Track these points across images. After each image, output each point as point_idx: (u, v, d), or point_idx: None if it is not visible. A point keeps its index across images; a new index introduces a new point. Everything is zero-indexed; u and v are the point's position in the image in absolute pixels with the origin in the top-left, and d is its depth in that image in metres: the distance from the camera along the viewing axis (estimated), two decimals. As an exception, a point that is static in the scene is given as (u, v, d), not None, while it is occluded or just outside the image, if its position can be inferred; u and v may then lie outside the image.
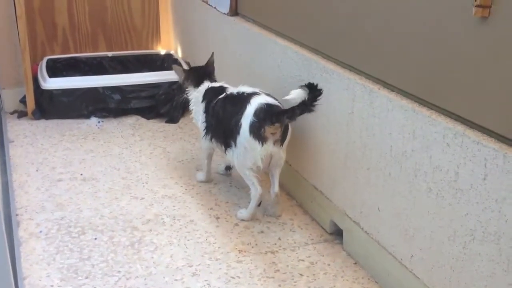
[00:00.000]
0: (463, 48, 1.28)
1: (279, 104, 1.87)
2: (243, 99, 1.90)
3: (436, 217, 1.39)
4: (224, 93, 2.02)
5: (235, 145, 1.89)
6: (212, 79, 2.17)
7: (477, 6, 1.20)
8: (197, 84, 2.15)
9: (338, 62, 1.77)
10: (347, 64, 1.72)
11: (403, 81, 1.49)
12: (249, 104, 1.86)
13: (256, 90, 1.94)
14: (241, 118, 1.86)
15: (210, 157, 2.17)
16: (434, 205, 1.39)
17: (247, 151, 1.86)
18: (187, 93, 2.18)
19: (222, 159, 2.24)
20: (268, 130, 1.81)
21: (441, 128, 1.34)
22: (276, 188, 1.95)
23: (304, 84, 1.76)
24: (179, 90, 2.26)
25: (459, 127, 1.30)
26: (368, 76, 1.63)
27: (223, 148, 1.99)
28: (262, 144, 1.82)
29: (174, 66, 2.28)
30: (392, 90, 1.53)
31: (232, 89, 2.02)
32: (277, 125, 1.81)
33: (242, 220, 1.96)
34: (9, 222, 1.89)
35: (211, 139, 2.06)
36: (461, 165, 1.29)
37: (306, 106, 1.75)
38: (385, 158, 1.56)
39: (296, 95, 1.76)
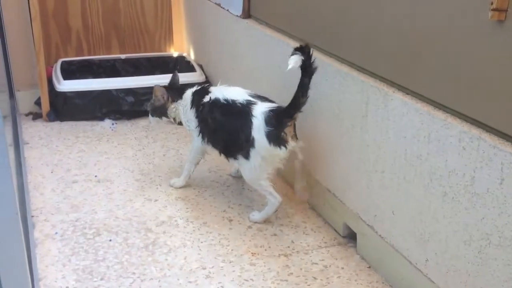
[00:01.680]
0: (479, 51, 1.28)
1: (276, 103, 1.88)
2: (241, 112, 1.87)
3: (451, 221, 1.38)
4: (208, 97, 1.98)
5: (247, 158, 1.87)
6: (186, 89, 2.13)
7: (493, 9, 1.20)
8: (180, 95, 2.11)
9: (352, 65, 1.77)
10: (361, 67, 1.72)
11: (418, 84, 1.49)
12: (253, 117, 1.84)
13: (245, 96, 1.91)
14: (250, 132, 1.84)
15: (197, 163, 2.17)
16: (449, 209, 1.38)
17: (266, 160, 1.85)
18: (173, 110, 2.13)
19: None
20: (287, 130, 1.82)
21: (457, 132, 1.33)
22: (300, 156, 1.91)
23: (294, 48, 1.75)
24: (158, 112, 2.16)
25: (475, 131, 1.29)
26: (383, 79, 1.63)
27: (224, 156, 1.98)
28: (286, 147, 1.83)
29: (156, 87, 2.13)
30: (407, 93, 1.53)
31: (215, 92, 1.99)
32: (291, 122, 1.83)
33: (255, 222, 1.96)
34: (25, 224, 1.91)
35: (207, 143, 2.03)
36: (477, 169, 1.28)
37: (304, 77, 1.75)
38: (399, 162, 1.55)
39: (294, 62, 1.74)
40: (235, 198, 2.14)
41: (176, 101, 2.12)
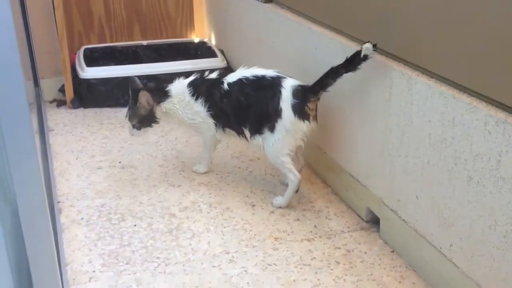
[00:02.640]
0: (504, 33, 1.25)
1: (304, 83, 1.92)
2: (271, 84, 1.90)
3: (476, 205, 1.37)
4: (236, 78, 1.97)
5: (272, 131, 1.89)
6: (166, 85, 2.10)
7: (521, -11, 1.17)
8: (164, 94, 2.07)
9: (374, 49, 1.74)
10: (384, 51, 1.70)
11: (443, 67, 1.46)
12: (282, 88, 1.88)
13: (272, 72, 1.93)
14: (279, 103, 1.87)
15: (214, 149, 2.19)
16: (474, 193, 1.37)
17: (290, 133, 1.88)
18: (162, 112, 2.08)
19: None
20: (310, 106, 1.87)
21: (482, 115, 1.31)
22: (302, 160, 2.06)
23: (368, 41, 1.70)
24: (146, 121, 2.11)
25: (501, 114, 1.27)
26: (406, 63, 1.61)
27: (245, 135, 1.97)
28: (310, 122, 1.88)
29: (140, 93, 2.05)
30: (431, 77, 1.51)
31: (237, 74, 1.98)
32: (315, 98, 1.88)
33: (279, 207, 1.97)
34: (52, 209, 1.94)
35: (223, 130, 2.04)
36: (503, 153, 1.26)
37: (342, 68, 1.77)
38: (423, 146, 1.54)
39: (365, 49, 1.69)
40: (258, 183, 2.15)
41: (164, 101, 2.06)
